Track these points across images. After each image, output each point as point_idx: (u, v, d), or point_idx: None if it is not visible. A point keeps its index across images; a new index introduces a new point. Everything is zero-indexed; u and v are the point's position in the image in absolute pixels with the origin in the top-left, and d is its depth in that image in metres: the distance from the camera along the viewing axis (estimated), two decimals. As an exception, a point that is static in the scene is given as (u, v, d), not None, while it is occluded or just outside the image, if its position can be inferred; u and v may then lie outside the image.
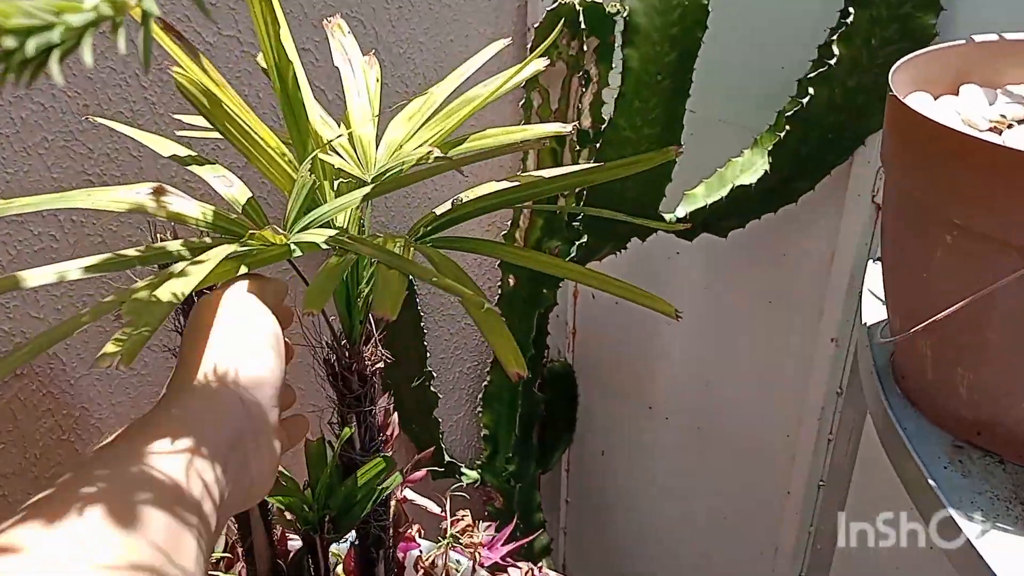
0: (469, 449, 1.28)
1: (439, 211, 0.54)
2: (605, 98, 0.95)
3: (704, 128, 0.96)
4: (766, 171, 0.86)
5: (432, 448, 0.85)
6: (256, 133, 0.50)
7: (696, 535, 1.27)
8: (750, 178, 0.88)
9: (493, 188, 0.55)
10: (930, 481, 0.49)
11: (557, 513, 1.43)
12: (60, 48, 0.23)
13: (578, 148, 0.98)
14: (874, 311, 0.65)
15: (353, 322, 0.58)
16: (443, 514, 0.83)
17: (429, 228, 0.53)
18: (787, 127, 0.84)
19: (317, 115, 0.54)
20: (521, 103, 0.99)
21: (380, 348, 0.61)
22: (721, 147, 0.93)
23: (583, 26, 0.91)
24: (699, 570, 1.29)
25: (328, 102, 0.86)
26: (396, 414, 0.67)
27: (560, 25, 0.76)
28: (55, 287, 0.72)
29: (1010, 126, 0.52)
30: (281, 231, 0.47)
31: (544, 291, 1.08)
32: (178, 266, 0.41)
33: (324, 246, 0.47)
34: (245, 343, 0.44)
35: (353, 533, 0.67)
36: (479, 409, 1.19)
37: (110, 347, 0.34)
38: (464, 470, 1.18)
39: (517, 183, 0.53)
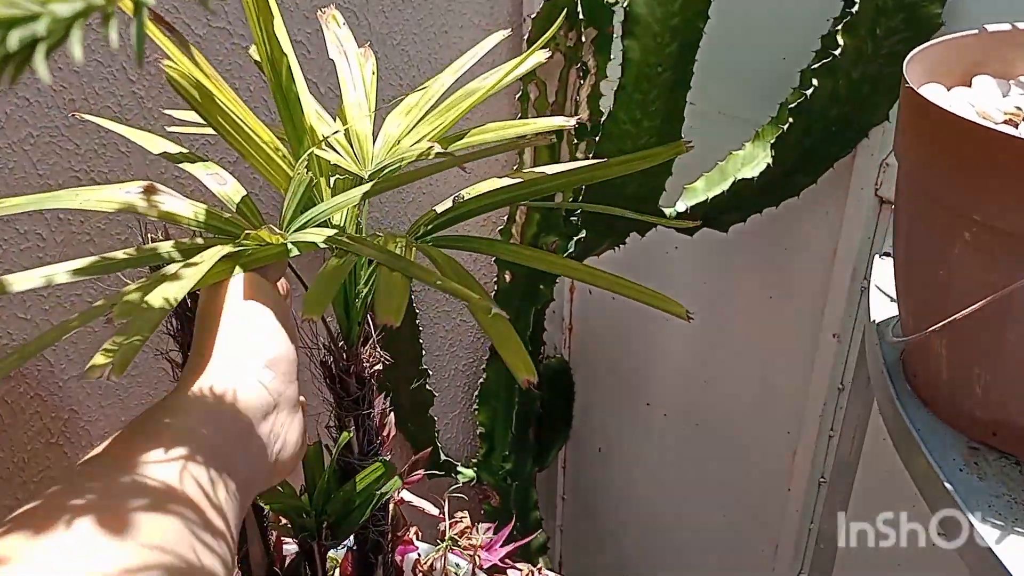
0: (465, 447, 1.26)
1: (440, 209, 0.52)
2: (603, 90, 0.93)
3: (703, 121, 0.95)
4: (768, 164, 0.85)
5: (429, 449, 0.84)
6: (250, 128, 0.48)
7: (695, 532, 1.26)
8: (752, 171, 0.87)
9: (496, 185, 0.53)
10: (947, 485, 0.48)
11: (554, 510, 1.42)
12: (46, 42, 0.21)
13: (576, 142, 0.96)
14: (882, 308, 0.64)
15: (351, 323, 0.56)
16: (441, 516, 0.82)
17: (430, 227, 0.51)
18: (790, 119, 0.82)
19: (312, 110, 0.52)
20: (518, 96, 0.97)
21: (378, 350, 0.59)
22: (721, 140, 0.92)
23: (581, 16, 0.90)
24: (698, 568, 1.28)
25: (320, 95, 0.84)
26: (392, 414, 0.65)
27: (564, 15, 0.75)
28: (42, 287, 0.70)
29: (1026, 119, 0.51)
30: (278, 230, 0.45)
31: (541, 287, 1.06)
32: (171, 268, 0.39)
33: (322, 246, 0.45)
34: (255, 325, 0.43)
35: (351, 538, 0.66)
36: (475, 406, 1.17)
37: (100, 358, 0.33)
38: (460, 468, 1.16)
39: (521, 180, 0.52)
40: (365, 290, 0.56)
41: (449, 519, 0.81)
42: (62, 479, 0.34)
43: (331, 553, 0.73)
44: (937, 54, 0.55)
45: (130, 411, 0.80)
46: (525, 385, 0.37)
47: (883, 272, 0.67)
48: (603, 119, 0.91)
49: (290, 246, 0.45)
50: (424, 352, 1.06)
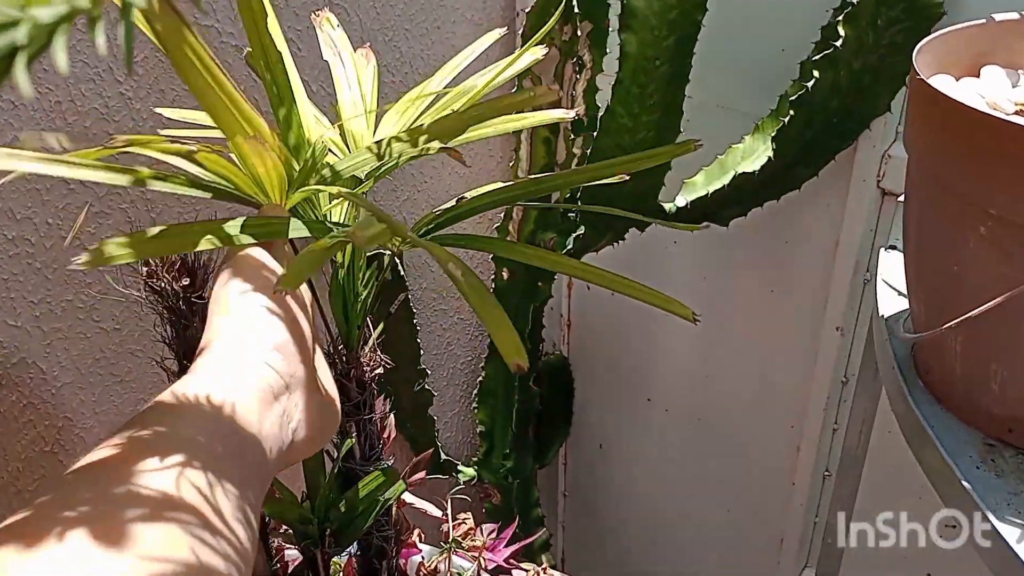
0: (465, 446, 1.25)
1: (441, 209, 0.51)
2: (599, 85, 0.92)
3: (701, 114, 0.94)
4: (769, 157, 0.84)
5: (431, 450, 0.83)
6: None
7: (698, 527, 1.25)
8: (752, 165, 0.86)
9: (499, 185, 0.52)
10: (964, 483, 0.47)
11: (555, 507, 1.41)
12: (27, 50, 0.19)
13: (572, 136, 0.95)
14: (890, 302, 0.63)
15: (350, 327, 0.55)
16: (444, 517, 0.81)
17: (431, 226, 0.50)
18: (791, 112, 0.81)
19: (311, 113, 0.51)
20: (513, 91, 0.96)
21: (378, 353, 0.58)
22: (720, 133, 0.90)
23: (576, 10, 0.88)
24: (702, 563, 1.27)
25: (312, 93, 0.83)
26: (392, 415, 0.64)
27: (560, 10, 0.73)
28: (32, 293, 0.69)
29: (1038, 109, 0.50)
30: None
31: (540, 284, 1.05)
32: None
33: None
34: (263, 308, 0.42)
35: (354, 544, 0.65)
36: (474, 405, 1.16)
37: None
38: (461, 467, 1.15)
39: (524, 180, 0.51)
40: (364, 293, 0.54)
41: (452, 520, 0.80)
42: (52, 488, 0.33)
43: (334, 559, 0.72)
44: (945, 44, 0.54)
45: (125, 418, 0.79)
46: (515, 370, 0.36)
47: (890, 266, 0.66)
48: (600, 114, 0.90)
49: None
50: (422, 352, 1.05)
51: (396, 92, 0.91)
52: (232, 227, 0.42)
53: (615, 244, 1.00)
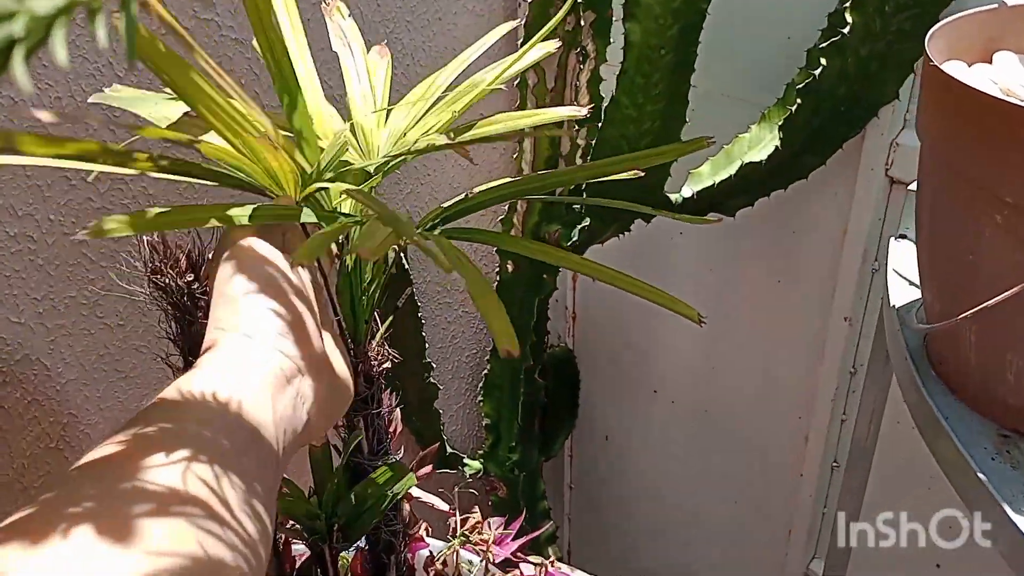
0: (471, 439, 1.25)
1: (448, 204, 0.51)
2: (603, 75, 0.91)
3: (707, 103, 0.93)
4: (776, 147, 0.83)
5: (437, 444, 0.82)
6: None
7: (706, 519, 1.25)
8: (759, 154, 0.85)
9: (505, 180, 0.51)
10: (980, 474, 0.46)
11: (561, 500, 1.41)
12: (24, 44, 0.18)
13: (577, 128, 0.94)
14: (901, 292, 0.62)
15: (358, 321, 0.55)
16: (451, 511, 0.80)
17: (438, 220, 0.50)
18: (798, 100, 0.81)
19: (324, 110, 0.50)
20: (516, 82, 0.95)
21: (386, 347, 0.58)
22: (726, 123, 0.90)
23: (579, 0, 0.88)
24: (709, 555, 1.27)
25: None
26: (399, 409, 0.64)
27: (568, 3, 0.72)
28: (35, 290, 0.68)
29: (1052, 95, 0.49)
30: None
31: (544, 277, 1.05)
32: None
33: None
34: (267, 294, 0.42)
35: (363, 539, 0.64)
36: (480, 398, 1.16)
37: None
38: (467, 460, 1.15)
39: (531, 176, 0.50)
40: (372, 287, 0.54)
41: (460, 515, 0.80)
42: (57, 484, 0.32)
43: (342, 554, 0.72)
44: (957, 30, 0.53)
45: (130, 414, 0.79)
46: (504, 355, 0.35)
47: (900, 255, 0.66)
48: (604, 104, 0.89)
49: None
50: (427, 345, 1.05)
51: (398, 84, 0.91)
52: (239, 211, 0.42)
53: (621, 235, 1.00)
